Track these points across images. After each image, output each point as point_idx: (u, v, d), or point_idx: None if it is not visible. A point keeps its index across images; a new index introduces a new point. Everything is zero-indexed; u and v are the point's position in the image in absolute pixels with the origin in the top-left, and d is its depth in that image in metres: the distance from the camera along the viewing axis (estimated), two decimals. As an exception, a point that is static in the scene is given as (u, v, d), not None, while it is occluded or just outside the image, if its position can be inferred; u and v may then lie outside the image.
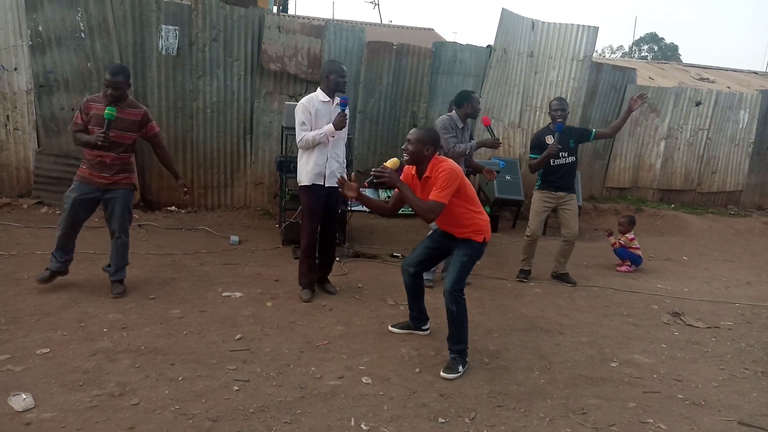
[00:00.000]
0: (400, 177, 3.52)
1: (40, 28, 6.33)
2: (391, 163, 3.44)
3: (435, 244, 3.80)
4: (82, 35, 6.44)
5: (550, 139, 5.37)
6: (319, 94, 4.47)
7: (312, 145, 4.43)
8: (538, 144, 5.47)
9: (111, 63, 6.55)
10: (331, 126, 4.37)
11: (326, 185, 4.50)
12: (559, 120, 5.32)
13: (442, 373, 3.42)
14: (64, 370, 3.15)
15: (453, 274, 3.53)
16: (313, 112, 4.41)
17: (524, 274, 5.58)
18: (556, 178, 5.45)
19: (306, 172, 4.50)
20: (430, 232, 3.90)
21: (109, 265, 4.43)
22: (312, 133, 4.40)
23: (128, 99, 4.25)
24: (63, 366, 3.20)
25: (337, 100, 4.46)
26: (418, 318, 4.00)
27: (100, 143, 4.01)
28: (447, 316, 3.54)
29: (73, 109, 6.38)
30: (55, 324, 3.73)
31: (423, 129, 3.57)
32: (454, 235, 3.64)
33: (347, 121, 4.44)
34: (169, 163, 4.68)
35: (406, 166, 3.65)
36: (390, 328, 4.05)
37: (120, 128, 4.14)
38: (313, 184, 4.49)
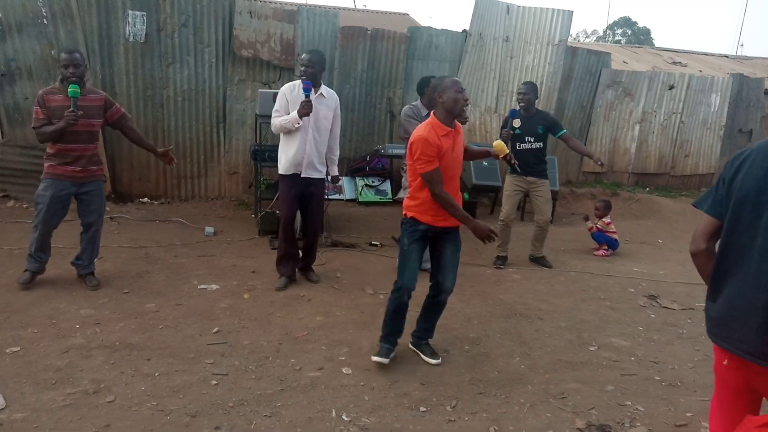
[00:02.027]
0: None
1: (0, 15, 6.08)
2: (500, 144, 3.39)
3: (422, 249, 3.41)
4: (45, 21, 6.20)
5: (517, 123, 5.44)
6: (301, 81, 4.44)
7: (280, 131, 4.45)
8: (504, 125, 5.60)
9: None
10: (294, 113, 4.29)
11: (302, 175, 4.45)
12: (521, 104, 5.44)
13: (430, 360, 3.42)
14: (35, 369, 3.07)
15: (454, 274, 3.41)
16: (290, 99, 4.39)
17: (501, 261, 5.60)
18: (522, 163, 5.36)
19: (283, 160, 4.51)
20: (408, 239, 3.34)
21: (77, 259, 4.33)
22: (279, 120, 4.40)
23: (86, 85, 4.12)
24: (34, 364, 3.12)
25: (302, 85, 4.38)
26: (397, 339, 3.48)
27: (72, 122, 3.83)
28: (436, 310, 3.50)
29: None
30: (25, 321, 3.62)
31: (456, 80, 3.27)
32: (452, 225, 3.33)
33: (312, 107, 4.27)
34: (143, 142, 4.54)
35: (437, 128, 3.20)
36: (376, 359, 3.37)
37: (85, 116, 3.97)
38: (288, 174, 4.46)
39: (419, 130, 3.20)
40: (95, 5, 6.34)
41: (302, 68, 4.38)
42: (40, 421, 2.63)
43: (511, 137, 5.42)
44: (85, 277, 4.31)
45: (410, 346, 3.58)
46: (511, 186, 5.59)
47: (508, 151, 3.41)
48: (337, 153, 4.74)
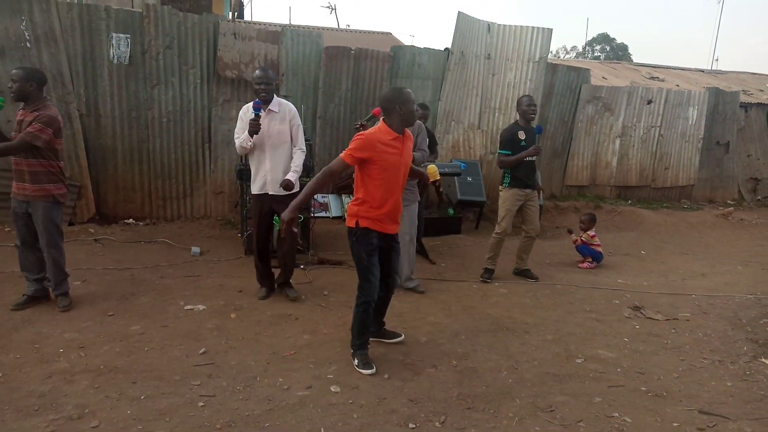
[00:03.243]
0: (375, 141, 3.36)
1: (-17, 39, 6.07)
2: (434, 168, 3.57)
3: (377, 259, 3.56)
4: (28, 45, 6.20)
5: (522, 135, 5.43)
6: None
7: (241, 152, 4.62)
8: (511, 140, 5.45)
9: (59, 73, 6.34)
10: (246, 133, 4.39)
11: (269, 193, 4.51)
12: (532, 115, 5.47)
13: (396, 339, 3.91)
14: (17, 395, 3.02)
15: (398, 273, 3.76)
16: (245, 120, 4.45)
17: (489, 274, 5.62)
18: (523, 175, 5.50)
19: (252, 180, 4.63)
20: (366, 253, 3.47)
21: (47, 279, 4.31)
22: (237, 141, 4.51)
23: (37, 101, 4.03)
24: (16, 390, 3.07)
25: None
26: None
27: None
28: (386, 306, 3.86)
29: (20, 122, 6.13)
30: (6, 347, 3.57)
31: (407, 92, 3.45)
32: (395, 231, 3.61)
33: (259, 126, 4.33)
34: None
35: (368, 137, 3.38)
36: (367, 372, 3.50)
37: (21, 131, 3.99)
38: (256, 193, 4.59)
39: (366, 132, 3.45)
40: (79, 28, 6.36)
41: (259, 86, 4.38)
42: (23, 448, 2.59)
43: (524, 149, 5.40)
44: (57, 297, 4.29)
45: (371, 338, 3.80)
46: (513, 200, 5.54)
47: (438, 177, 3.50)
48: (299, 163, 4.56)
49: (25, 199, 4.09)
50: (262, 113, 4.38)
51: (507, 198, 5.58)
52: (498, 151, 5.63)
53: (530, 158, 5.48)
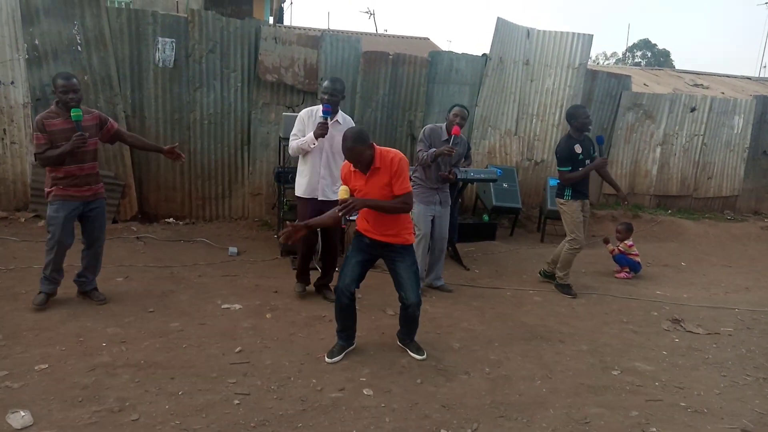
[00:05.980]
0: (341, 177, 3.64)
1: (37, 42, 6.32)
2: (344, 191, 3.44)
3: (366, 257, 3.70)
4: (79, 48, 6.44)
5: (579, 149, 5.29)
6: (320, 107, 4.58)
7: (297, 153, 4.61)
8: (569, 156, 5.30)
9: (107, 76, 6.56)
10: (311, 134, 4.44)
11: (319, 198, 4.57)
12: (590, 126, 5.40)
13: (416, 356, 3.76)
14: (63, 386, 3.13)
15: (415, 287, 3.67)
16: (308, 123, 4.54)
17: (570, 289, 5.47)
18: (583, 187, 5.42)
19: (299, 183, 4.67)
20: (352, 248, 3.74)
21: (80, 276, 4.41)
22: (296, 142, 4.56)
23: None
24: (62, 382, 3.18)
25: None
26: (351, 335, 3.83)
27: (81, 144, 3.97)
28: (410, 321, 3.77)
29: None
30: (53, 339, 3.71)
31: (352, 133, 3.42)
32: (390, 242, 3.63)
33: (328, 129, 4.40)
34: (146, 145, 4.63)
35: (343, 164, 3.65)
36: (327, 360, 3.66)
37: (94, 135, 4.15)
38: (305, 197, 4.62)
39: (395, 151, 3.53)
40: (127, 32, 6.57)
41: (325, 96, 4.47)
42: (68, 437, 2.69)
43: (582, 162, 5.32)
44: (90, 292, 4.42)
45: (398, 343, 3.93)
46: (578, 212, 5.40)
47: (346, 197, 3.40)
48: None
49: (87, 200, 4.21)
50: (330, 121, 4.46)
51: (573, 210, 5.39)
52: (558, 168, 5.43)
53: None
